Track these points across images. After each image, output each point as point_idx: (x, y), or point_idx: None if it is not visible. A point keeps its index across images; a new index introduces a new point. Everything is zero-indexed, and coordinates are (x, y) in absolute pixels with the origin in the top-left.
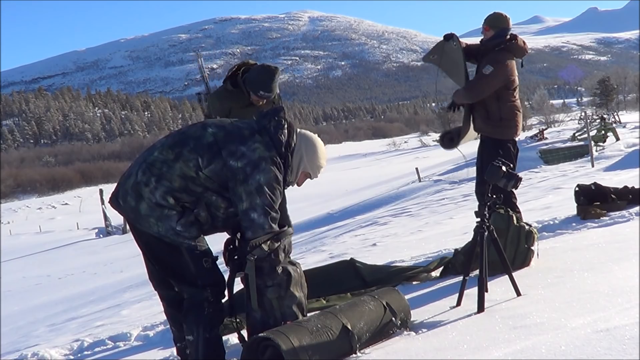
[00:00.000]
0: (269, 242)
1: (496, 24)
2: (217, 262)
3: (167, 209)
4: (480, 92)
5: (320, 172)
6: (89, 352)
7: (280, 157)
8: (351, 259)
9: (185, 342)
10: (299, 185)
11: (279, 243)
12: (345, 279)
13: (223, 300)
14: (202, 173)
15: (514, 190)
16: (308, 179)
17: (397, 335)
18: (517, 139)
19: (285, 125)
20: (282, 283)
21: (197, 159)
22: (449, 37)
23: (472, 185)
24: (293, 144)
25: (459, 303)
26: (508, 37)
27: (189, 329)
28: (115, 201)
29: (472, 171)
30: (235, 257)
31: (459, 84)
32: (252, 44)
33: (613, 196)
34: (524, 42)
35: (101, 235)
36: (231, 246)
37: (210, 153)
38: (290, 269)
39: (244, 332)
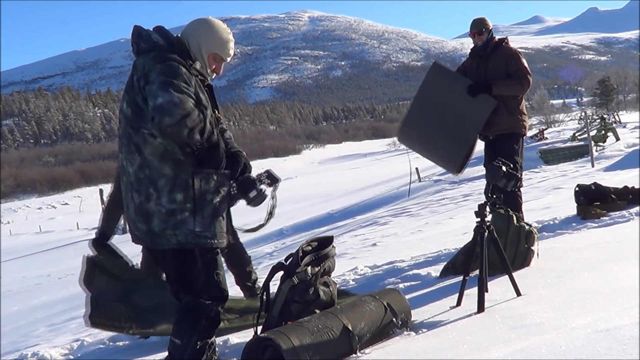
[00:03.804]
0: (310, 266)
1: (485, 26)
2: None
3: (179, 212)
4: (530, 82)
5: (230, 48)
6: (89, 352)
7: (165, 51)
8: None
9: None
10: (217, 73)
11: (320, 267)
12: None
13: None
14: (158, 137)
15: (520, 190)
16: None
17: (397, 335)
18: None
19: (152, 34)
20: (308, 301)
21: (142, 130)
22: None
23: (472, 185)
24: (175, 36)
25: (459, 303)
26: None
27: (179, 333)
28: (134, 237)
29: (471, 172)
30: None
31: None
32: (252, 44)
33: (613, 196)
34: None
35: None
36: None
37: (138, 114)
38: (321, 291)
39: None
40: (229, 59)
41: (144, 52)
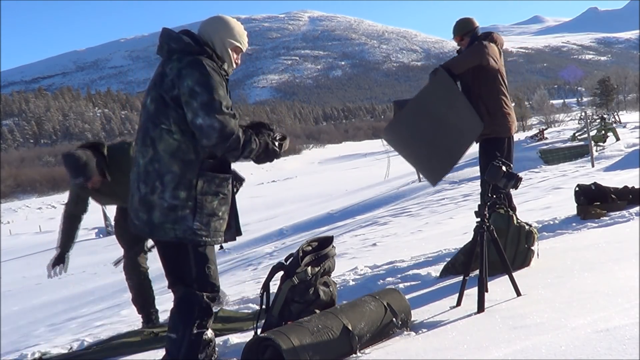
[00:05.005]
0: (310, 266)
1: (467, 28)
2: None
3: (181, 209)
4: (484, 53)
5: (246, 38)
6: None
7: (196, 53)
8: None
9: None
10: (238, 64)
11: (319, 268)
12: None
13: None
14: (175, 134)
15: (512, 189)
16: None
17: (397, 335)
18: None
19: (182, 36)
20: (308, 301)
21: (161, 126)
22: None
23: (472, 185)
24: (199, 36)
25: (459, 303)
26: (481, 34)
27: (175, 327)
28: (132, 225)
29: (470, 172)
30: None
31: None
32: (252, 44)
33: (613, 196)
34: (497, 35)
35: (101, 235)
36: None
37: (161, 111)
38: (321, 291)
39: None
40: (244, 49)
41: (175, 51)
